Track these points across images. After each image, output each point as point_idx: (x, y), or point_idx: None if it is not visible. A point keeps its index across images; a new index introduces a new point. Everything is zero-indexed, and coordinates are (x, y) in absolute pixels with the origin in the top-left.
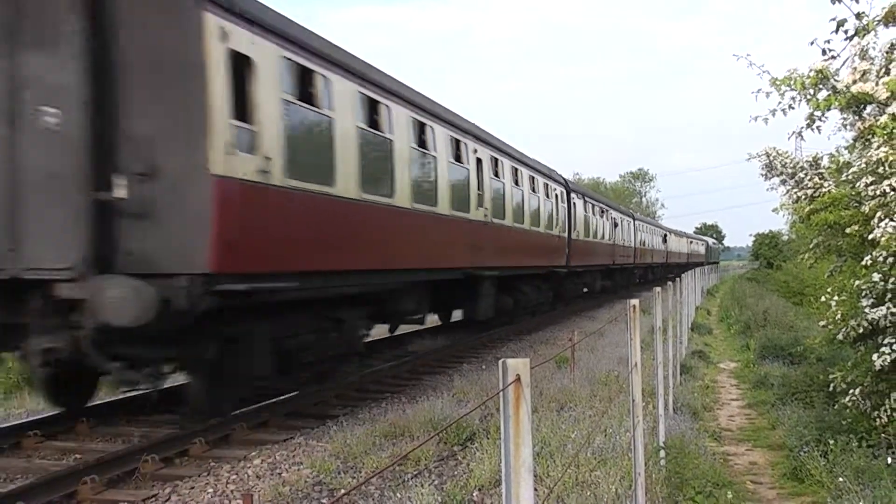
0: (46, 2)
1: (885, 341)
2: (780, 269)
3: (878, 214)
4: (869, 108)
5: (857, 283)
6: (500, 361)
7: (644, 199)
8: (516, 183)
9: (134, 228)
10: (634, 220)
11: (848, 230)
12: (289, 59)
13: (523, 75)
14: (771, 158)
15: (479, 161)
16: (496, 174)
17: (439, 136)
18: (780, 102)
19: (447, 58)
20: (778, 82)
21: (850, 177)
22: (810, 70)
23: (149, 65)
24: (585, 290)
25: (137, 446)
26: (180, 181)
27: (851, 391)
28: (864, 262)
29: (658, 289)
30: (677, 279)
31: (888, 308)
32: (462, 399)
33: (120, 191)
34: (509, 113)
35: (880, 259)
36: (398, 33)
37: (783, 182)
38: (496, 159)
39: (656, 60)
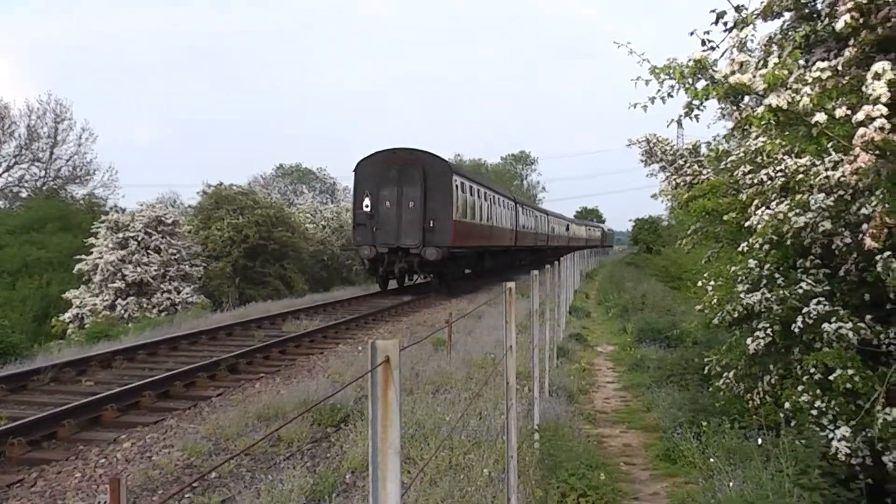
0: (413, 175)
1: (759, 326)
2: (659, 254)
3: (756, 202)
4: (746, 99)
5: (733, 268)
6: (370, 343)
7: (525, 182)
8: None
9: (433, 233)
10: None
11: (726, 217)
12: (465, 183)
13: (411, 54)
14: (651, 145)
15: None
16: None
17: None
18: (659, 91)
19: (324, 32)
20: (657, 70)
21: (728, 165)
22: (689, 60)
23: (437, 190)
24: (468, 270)
25: (3, 429)
26: (443, 221)
27: (725, 374)
28: (740, 249)
29: (535, 272)
30: (556, 262)
31: (762, 294)
32: (337, 381)
33: (429, 224)
34: (393, 94)
35: (756, 246)
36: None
37: (663, 168)
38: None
39: (548, 44)
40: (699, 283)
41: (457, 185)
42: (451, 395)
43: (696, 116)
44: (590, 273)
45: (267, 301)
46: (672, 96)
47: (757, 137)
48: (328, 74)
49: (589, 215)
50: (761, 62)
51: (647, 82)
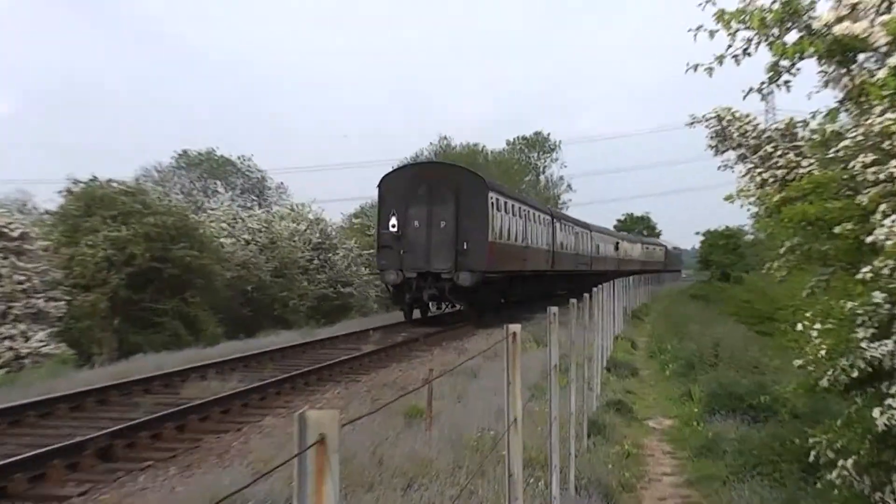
0: (444, 192)
1: (893, 391)
2: (739, 282)
3: (882, 208)
4: (861, 58)
5: (849, 305)
6: (296, 415)
7: (542, 177)
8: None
9: (466, 257)
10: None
11: (837, 229)
12: (500, 200)
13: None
14: (724, 123)
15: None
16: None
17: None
18: (730, 46)
19: None
20: (727, 17)
21: (840, 153)
22: (773, 1)
23: (471, 208)
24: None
25: None
26: (478, 243)
27: (841, 462)
28: (860, 276)
29: (554, 309)
30: (589, 295)
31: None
32: (260, 470)
33: (463, 246)
34: (352, 65)
35: (885, 272)
36: None
37: (741, 158)
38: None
39: None
40: (798, 327)
41: (492, 203)
42: (430, 491)
43: (787, 84)
44: (638, 311)
45: (161, 352)
46: (749, 54)
47: (882, 114)
48: (261, 35)
49: (636, 225)
50: (883, 4)
51: (711, 34)
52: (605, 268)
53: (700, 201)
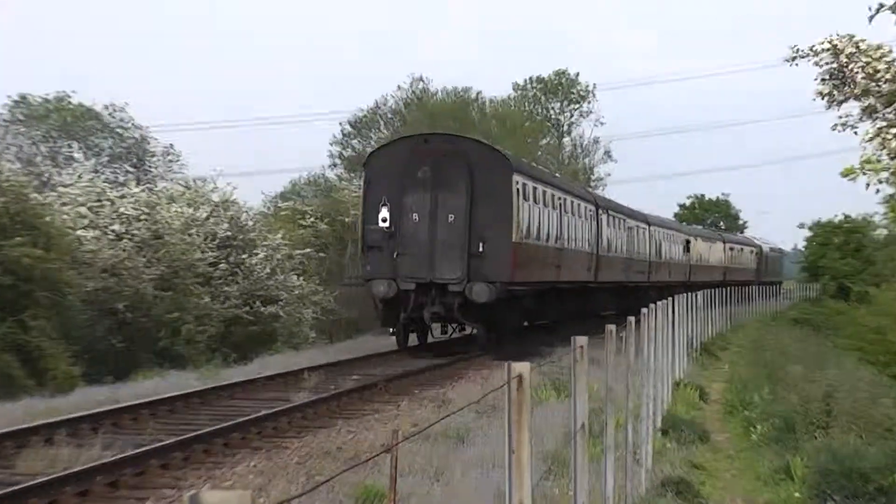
0: (454, 173)
1: None
2: (865, 300)
3: None
4: None
5: None
6: (188, 497)
7: (569, 138)
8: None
9: (483, 262)
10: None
11: None
12: (529, 185)
13: None
14: (843, 59)
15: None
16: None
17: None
18: None
19: None
20: None
21: None
22: None
23: (490, 197)
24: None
25: None
26: (499, 243)
27: None
28: None
29: (581, 339)
30: (636, 319)
31: None
32: None
33: (478, 248)
34: None
35: None
36: None
37: (868, 112)
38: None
39: None
40: None
41: (518, 189)
42: None
43: None
44: (711, 344)
45: None
46: None
47: None
48: None
49: (708, 213)
50: None
51: None
52: (669, 278)
53: (803, 178)
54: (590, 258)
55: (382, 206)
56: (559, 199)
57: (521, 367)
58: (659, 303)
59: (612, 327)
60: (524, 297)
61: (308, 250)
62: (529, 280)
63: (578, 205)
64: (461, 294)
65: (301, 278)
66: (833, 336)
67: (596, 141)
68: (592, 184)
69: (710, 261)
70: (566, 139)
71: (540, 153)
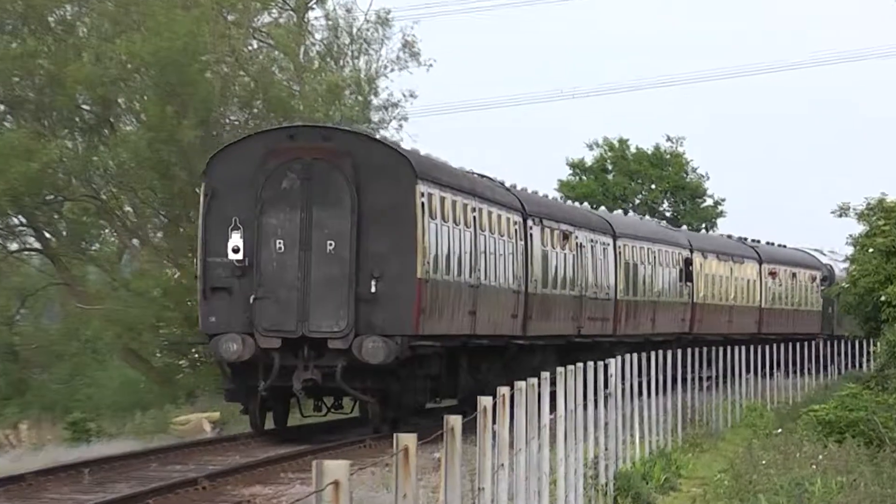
0: (334, 182)
1: None
2: None
3: None
4: None
5: None
6: None
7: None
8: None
9: (377, 307)
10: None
11: None
12: (441, 197)
13: None
14: None
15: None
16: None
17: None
18: None
19: None
20: None
21: None
22: None
23: (386, 215)
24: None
25: None
26: (399, 280)
27: None
28: None
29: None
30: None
31: None
32: None
33: (369, 288)
34: None
35: None
36: None
37: None
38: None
39: None
40: None
41: (423, 203)
42: None
43: None
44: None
45: None
46: None
47: None
48: None
49: (639, 178)
50: None
51: None
52: (652, 328)
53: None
54: (515, 299)
55: (232, 230)
56: (473, 210)
57: (337, 467)
58: (533, 380)
59: (455, 421)
60: (432, 358)
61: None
62: (439, 332)
63: (498, 216)
64: (346, 353)
65: None
66: None
67: (382, 19)
68: (385, 118)
69: (732, 296)
70: (313, 12)
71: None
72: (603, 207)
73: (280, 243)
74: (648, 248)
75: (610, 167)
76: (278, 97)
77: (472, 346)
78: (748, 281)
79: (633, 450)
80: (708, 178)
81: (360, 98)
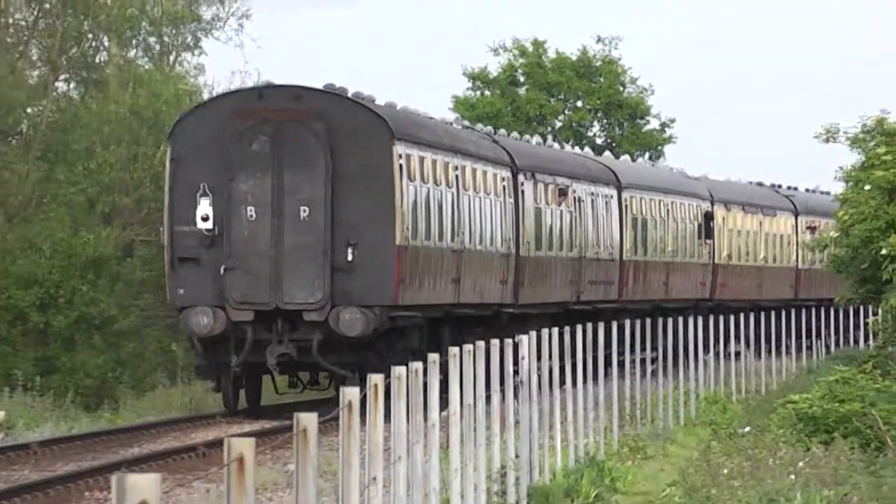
0: (306, 145)
1: None
2: None
3: None
4: None
5: None
6: None
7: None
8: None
9: (354, 276)
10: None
11: None
12: (422, 157)
13: None
14: None
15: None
16: None
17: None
18: None
19: None
20: None
21: None
22: None
23: (361, 177)
24: None
25: None
26: (376, 247)
27: None
28: None
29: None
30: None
31: None
32: None
33: (346, 256)
34: None
35: None
36: None
37: None
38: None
39: None
40: None
41: (401, 164)
42: None
43: None
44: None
45: None
46: None
47: None
48: None
49: (555, 89)
50: None
51: None
52: (666, 293)
53: None
54: (505, 263)
55: (201, 196)
56: (456, 168)
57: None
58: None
59: (309, 420)
60: (412, 330)
61: None
62: (420, 302)
63: (484, 172)
64: (322, 326)
65: None
66: None
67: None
68: (219, 14)
69: (762, 255)
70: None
71: None
72: (514, 133)
73: (251, 210)
74: (660, 201)
75: (522, 79)
76: None
77: (457, 316)
78: (782, 237)
79: (552, 457)
80: (652, 93)
81: None
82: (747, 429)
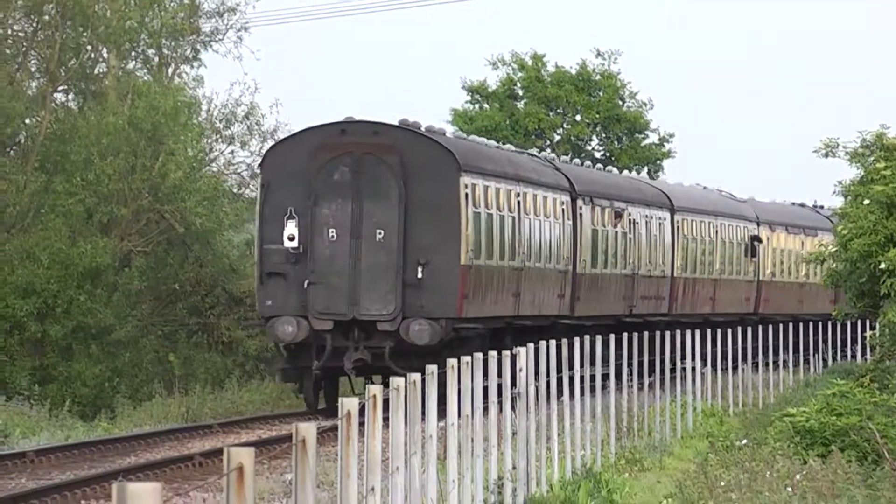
0: (383, 176)
1: None
2: None
3: None
4: None
5: None
6: None
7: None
8: None
9: (424, 292)
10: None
11: None
12: (486, 186)
13: None
14: None
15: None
16: None
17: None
18: None
19: None
20: None
21: None
22: None
23: (432, 205)
24: None
25: None
26: (444, 266)
27: None
28: None
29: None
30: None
31: None
32: None
33: (416, 274)
34: None
35: None
36: None
37: None
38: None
39: None
40: None
41: (467, 194)
42: None
43: None
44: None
45: None
46: None
47: None
48: None
49: (553, 103)
50: None
51: None
52: (713, 307)
53: None
54: (562, 279)
55: (288, 219)
56: (517, 195)
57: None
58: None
59: (307, 430)
60: (475, 340)
61: None
62: (482, 314)
63: (544, 198)
64: (394, 335)
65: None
66: None
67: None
68: (219, 27)
69: (803, 272)
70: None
71: None
72: (510, 146)
73: (332, 232)
74: (710, 223)
75: (520, 92)
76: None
77: (517, 327)
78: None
79: (550, 468)
80: (651, 107)
81: (185, 1)
82: (744, 442)
